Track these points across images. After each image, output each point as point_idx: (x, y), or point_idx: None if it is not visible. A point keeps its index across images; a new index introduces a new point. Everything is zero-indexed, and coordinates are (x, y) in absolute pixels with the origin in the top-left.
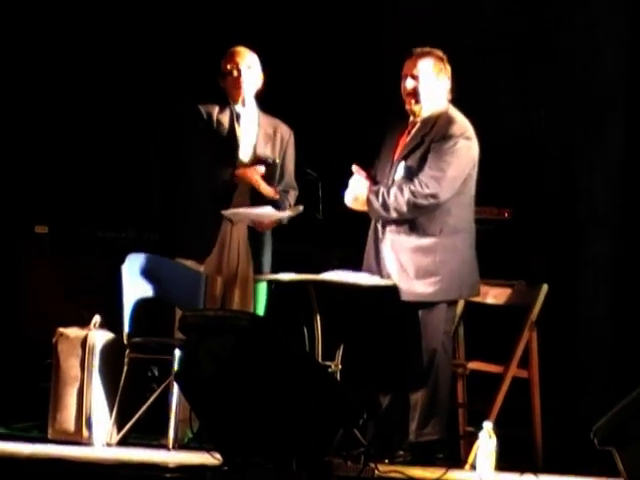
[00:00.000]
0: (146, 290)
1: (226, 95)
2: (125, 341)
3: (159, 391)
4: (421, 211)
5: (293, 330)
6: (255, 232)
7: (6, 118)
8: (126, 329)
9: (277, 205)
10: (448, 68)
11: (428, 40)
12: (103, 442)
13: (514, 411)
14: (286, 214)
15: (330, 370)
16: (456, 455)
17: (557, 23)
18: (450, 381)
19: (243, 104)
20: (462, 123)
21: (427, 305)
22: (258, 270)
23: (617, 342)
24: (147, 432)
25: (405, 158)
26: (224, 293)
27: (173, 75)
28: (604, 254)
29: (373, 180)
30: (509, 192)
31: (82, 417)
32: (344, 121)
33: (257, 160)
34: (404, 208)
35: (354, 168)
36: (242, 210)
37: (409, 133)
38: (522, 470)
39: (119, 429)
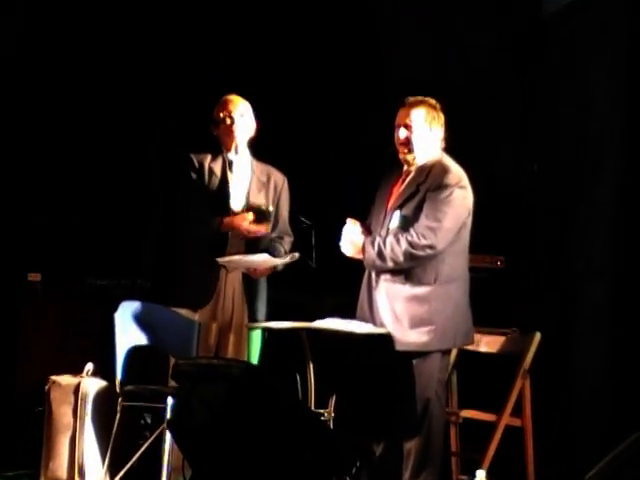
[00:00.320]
0: (139, 338)
1: (219, 143)
2: (118, 389)
3: (152, 439)
4: (418, 261)
5: (286, 377)
6: (250, 279)
7: None
8: (119, 377)
9: (272, 252)
10: (441, 116)
11: (419, 93)
12: None
13: (507, 460)
14: (282, 261)
15: (323, 418)
16: None
17: (551, 74)
18: (443, 429)
19: (236, 152)
20: (457, 172)
21: (421, 354)
22: (253, 317)
23: (612, 391)
24: None
25: (400, 207)
26: (218, 340)
27: (167, 123)
28: (599, 303)
29: (368, 230)
30: (502, 240)
31: (75, 465)
32: (337, 169)
33: (250, 208)
34: (401, 258)
35: (348, 220)
36: (237, 257)
37: (403, 182)
38: None
39: (112, 477)
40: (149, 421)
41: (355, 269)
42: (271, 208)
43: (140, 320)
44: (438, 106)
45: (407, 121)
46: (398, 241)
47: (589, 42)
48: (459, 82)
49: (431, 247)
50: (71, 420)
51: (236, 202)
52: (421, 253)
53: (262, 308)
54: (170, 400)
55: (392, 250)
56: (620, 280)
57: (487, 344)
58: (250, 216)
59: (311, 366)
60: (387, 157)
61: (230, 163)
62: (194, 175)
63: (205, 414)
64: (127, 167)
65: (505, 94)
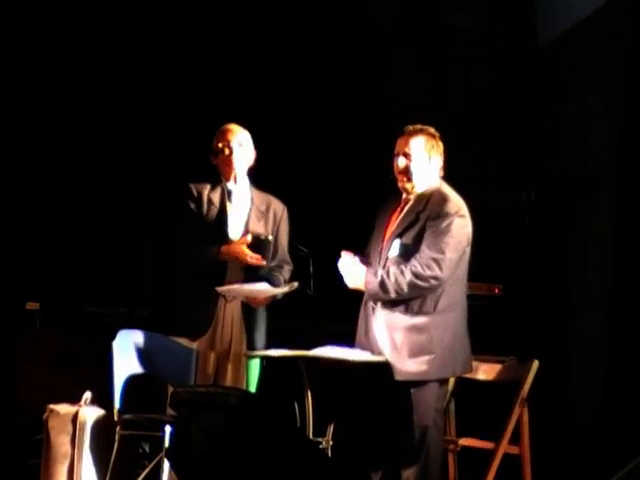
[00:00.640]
0: (137, 366)
1: (218, 173)
2: (116, 417)
3: (150, 468)
4: (421, 291)
5: (284, 406)
6: (249, 308)
7: None
8: (117, 405)
9: (272, 281)
10: (440, 145)
11: (417, 120)
12: None
13: None
14: (281, 290)
15: (321, 446)
16: None
17: (550, 104)
18: (441, 457)
19: (235, 181)
20: (456, 201)
21: (419, 383)
22: (252, 346)
23: (608, 420)
24: None
25: (400, 235)
26: (217, 369)
27: (166, 151)
28: (596, 331)
29: (366, 260)
30: (500, 269)
31: None
32: (335, 197)
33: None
34: (405, 289)
35: (343, 253)
36: (236, 287)
37: (402, 210)
38: None
39: None
40: (147, 450)
41: (353, 297)
42: (270, 237)
43: (138, 349)
44: (437, 135)
45: (406, 150)
46: (402, 272)
47: (588, 69)
48: (458, 106)
49: (436, 278)
50: (69, 449)
51: (234, 232)
52: (426, 284)
53: (261, 337)
54: (168, 429)
55: (396, 281)
56: (616, 311)
57: (485, 372)
58: (249, 238)
59: (309, 394)
60: (386, 181)
61: (229, 193)
62: (193, 205)
63: (203, 443)
64: (126, 197)
65: (503, 123)
